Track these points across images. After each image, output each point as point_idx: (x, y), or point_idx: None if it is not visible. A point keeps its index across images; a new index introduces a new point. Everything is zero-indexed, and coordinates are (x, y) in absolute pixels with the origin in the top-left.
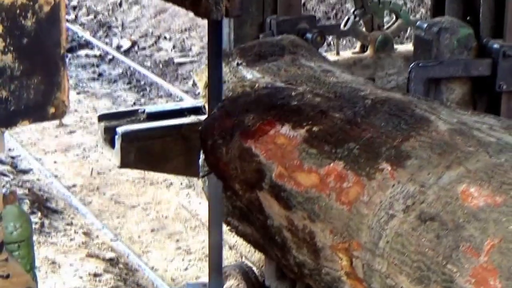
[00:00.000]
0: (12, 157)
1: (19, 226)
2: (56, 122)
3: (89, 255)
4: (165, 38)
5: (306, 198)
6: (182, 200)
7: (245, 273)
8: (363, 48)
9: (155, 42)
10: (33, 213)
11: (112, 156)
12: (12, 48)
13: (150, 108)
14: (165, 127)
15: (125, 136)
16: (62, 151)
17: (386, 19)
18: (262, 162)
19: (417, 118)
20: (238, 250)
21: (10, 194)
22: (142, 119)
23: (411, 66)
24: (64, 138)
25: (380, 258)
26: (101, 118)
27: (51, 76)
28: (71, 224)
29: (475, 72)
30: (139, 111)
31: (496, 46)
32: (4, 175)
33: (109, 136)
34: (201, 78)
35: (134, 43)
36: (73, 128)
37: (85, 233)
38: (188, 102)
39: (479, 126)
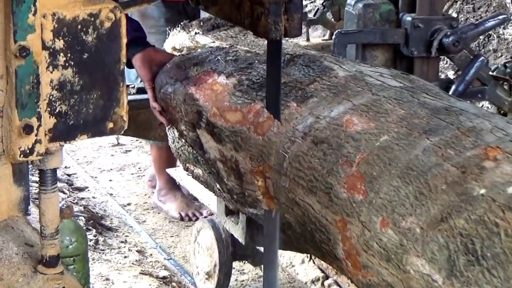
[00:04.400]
0: (68, 175)
1: (75, 240)
2: (112, 141)
3: (143, 273)
4: None
5: (232, 132)
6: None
7: (214, 224)
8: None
9: None
10: (88, 230)
11: None
12: (72, 63)
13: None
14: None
15: None
16: (118, 170)
17: None
18: (201, 105)
19: (323, 67)
20: None
21: (67, 208)
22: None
23: (335, 33)
24: (119, 157)
25: (284, 176)
26: None
27: (110, 91)
28: (125, 242)
29: (391, 40)
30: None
31: (408, 18)
32: (61, 191)
33: None
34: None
35: None
36: (129, 148)
37: (139, 251)
38: None
39: (371, 74)
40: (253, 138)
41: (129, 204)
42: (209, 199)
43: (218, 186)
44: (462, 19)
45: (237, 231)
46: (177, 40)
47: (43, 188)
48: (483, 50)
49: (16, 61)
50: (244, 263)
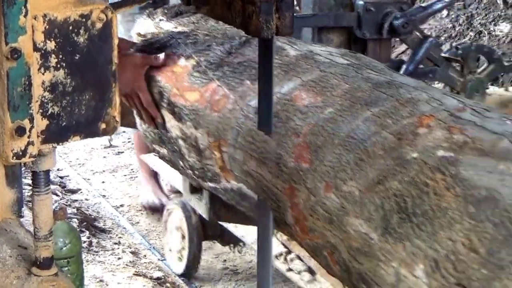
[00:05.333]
0: (61, 177)
1: (68, 242)
2: (105, 142)
3: (137, 274)
4: None
5: (191, 110)
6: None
7: (184, 205)
8: None
9: None
10: (81, 232)
11: None
12: (64, 64)
13: None
14: None
15: None
16: (110, 172)
17: None
18: (162, 86)
19: (276, 47)
20: None
21: (60, 210)
22: None
23: None
24: (112, 159)
25: (239, 150)
26: None
27: (103, 92)
28: (119, 243)
29: (344, 23)
30: None
31: (361, 2)
32: (54, 194)
33: None
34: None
35: None
36: (121, 149)
37: (133, 252)
38: None
39: (321, 53)
40: (210, 115)
41: (122, 206)
42: (177, 180)
43: (181, 163)
44: (453, 16)
45: (201, 207)
46: (143, 27)
47: (36, 190)
48: None
49: (8, 63)
50: (214, 242)
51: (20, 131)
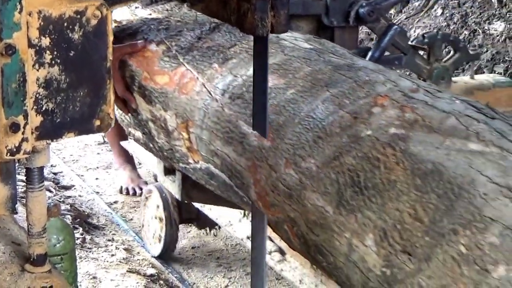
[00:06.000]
0: (54, 174)
1: (62, 239)
2: (98, 139)
3: (130, 271)
4: None
5: (160, 93)
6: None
7: (161, 189)
8: None
9: None
10: (75, 228)
11: None
12: (58, 61)
13: None
14: None
15: None
16: (104, 168)
17: None
18: (133, 70)
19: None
20: None
21: (54, 207)
22: None
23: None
24: (106, 155)
25: (205, 130)
26: None
27: (97, 88)
28: (112, 240)
29: (313, 11)
30: None
31: None
32: (47, 190)
33: None
34: None
35: None
36: None
37: (126, 249)
38: None
39: (286, 38)
40: (179, 97)
41: (115, 202)
42: (153, 163)
43: (151, 145)
44: (447, 15)
45: (174, 188)
46: (119, 14)
47: (30, 187)
48: (469, 45)
49: (2, 59)
50: (190, 225)
51: (14, 128)
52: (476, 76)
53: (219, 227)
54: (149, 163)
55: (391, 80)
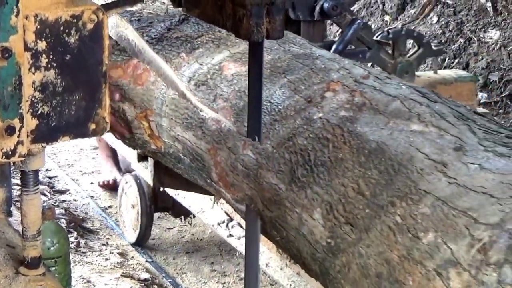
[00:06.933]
0: (49, 178)
1: (56, 242)
2: (94, 143)
3: (124, 275)
4: None
5: (116, 86)
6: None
7: (137, 178)
8: None
9: None
10: (69, 232)
11: None
12: (55, 64)
13: None
14: None
15: None
16: (99, 173)
17: None
18: None
19: (211, 24)
20: None
21: (49, 210)
22: None
23: None
24: (101, 160)
25: (165, 118)
26: None
27: (93, 92)
28: (106, 244)
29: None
30: None
31: None
32: (42, 194)
33: None
34: None
35: None
36: None
37: (120, 254)
38: None
39: None
40: (134, 88)
41: (110, 207)
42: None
43: (117, 136)
44: (443, 22)
45: (146, 174)
46: None
47: (25, 190)
48: (464, 53)
49: None
50: (165, 213)
51: (10, 131)
52: (439, 71)
53: (194, 216)
54: (124, 151)
55: (345, 68)
